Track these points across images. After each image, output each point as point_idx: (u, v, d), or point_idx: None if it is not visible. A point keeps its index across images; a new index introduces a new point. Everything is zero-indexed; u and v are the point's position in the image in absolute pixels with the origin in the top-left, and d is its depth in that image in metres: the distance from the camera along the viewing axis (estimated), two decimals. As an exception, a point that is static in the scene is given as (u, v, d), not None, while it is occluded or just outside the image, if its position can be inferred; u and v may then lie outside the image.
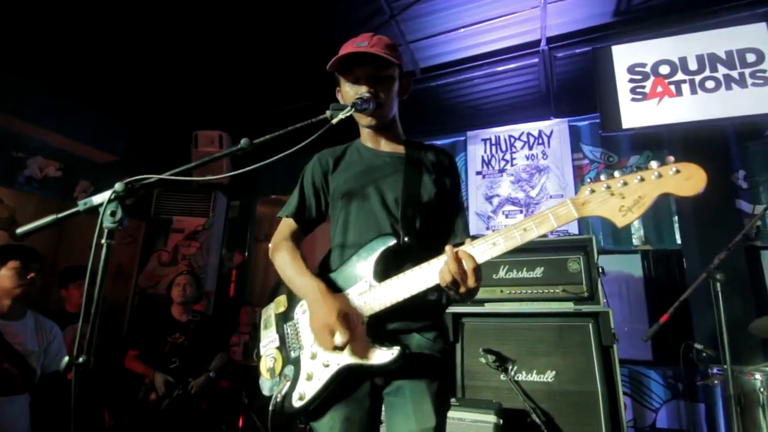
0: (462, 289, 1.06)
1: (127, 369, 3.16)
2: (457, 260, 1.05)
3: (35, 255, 2.21)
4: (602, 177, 1.00)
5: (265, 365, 1.30)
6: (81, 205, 0.98)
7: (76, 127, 4.15)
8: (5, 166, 3.84)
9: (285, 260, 1.30)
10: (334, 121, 1.11)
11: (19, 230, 1.00)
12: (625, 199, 0.97)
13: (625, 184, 0.97)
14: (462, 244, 1.32)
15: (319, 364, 1.19)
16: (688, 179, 0.92)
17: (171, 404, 2.96)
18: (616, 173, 0.99)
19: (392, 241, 1.19)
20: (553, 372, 2.46)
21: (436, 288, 1.12)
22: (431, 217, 1.30)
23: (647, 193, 0.95)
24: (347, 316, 1.12)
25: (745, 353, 2.61)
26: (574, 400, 2.38)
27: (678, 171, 0.93)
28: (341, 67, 1.31)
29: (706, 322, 2.99)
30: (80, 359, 0.87)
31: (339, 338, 1.09)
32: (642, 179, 0.96)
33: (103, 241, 0.94)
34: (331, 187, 1.39)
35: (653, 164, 0.96)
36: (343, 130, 1.27)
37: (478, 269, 1.06)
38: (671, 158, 0.95)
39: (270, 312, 1.37)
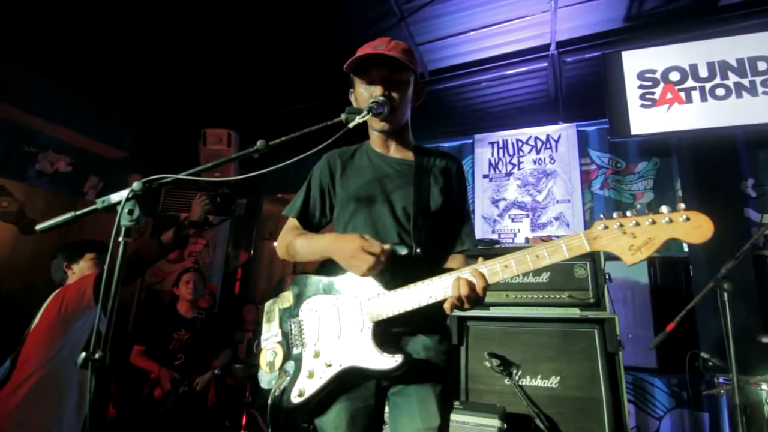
0: (467, 306, 1.10)
1: (132, 364, 3.19)
2: (468, 282, 1.09)
3: (107, 247, 2.30)
4: (615, 215, 1.05)
5: (264, 358, 1.31)
6: (99, 203, 1.00)
7: (86, 123, 4.19)
8: (17, 161, 3.88)
9: (298, 243, 1.34)
10: (351, 125, 1.13)
11: (39, 226, 1.02)
12: (636, 239, 1.01)
13: (637, 224, 1.02)
14: (468, 251, 1.34)
15: (322, 363, 1.20)
16: (696, 228, 0.97)
17: (176, 401, 2.98)
18: (629, 213, 1.04)
19: (403, 252, 1.21)
20: (558, 377, 2.46)
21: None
22: (439, 226, 1.33)
23: (657, 236, 1.00)
24: (367, 240, 1.15)
25: (751, 363, 2.59)
26: (578, 406, 2.38)
27: (688, 219, 0.98)
28: (357, 68, 1.32)
29: (712, 330, 2.98)
30: (96, 355, 0.88)
31: (373, 250, 1.12)
32: (653, 222, 1.01)
33: (120, 239, 0.96)
34: (338, 190, 1.40)
35: (664, 209, 1.01)
36: (354, 129, 1.28)
37: (487, 288, 1.10)
38: (682, 205, 1.00)
39: (274, 306, 1.38)
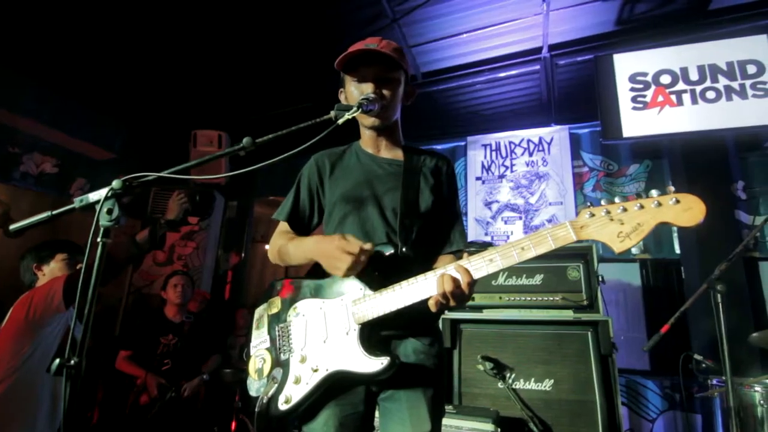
0: (453, 303, 1.07)
1: (117, 370, 3.11)
2: (452, 277, 1.06)
3: (79, 248, 2.27)
4: (603, 202, 1.01)
5: (253, 366, 1.29)
6: (77, 202, 0.96)
7: (73, 124, 4.12)
8: (1, 161, 3.80)
9: (286, 247, 1.32)
10: (340, 121, 1.10)
11: (13, 226, 0.98)
12: (624, 225, 0.97)
13: (625, 210, 0.98)
14: (458, 251, 1.32)
15: (308, 368, 1.17)
16: (686, 210, 0.93)
17: (163, 407, 2.92)
18: (617, 199, 0.99)
19: (389, 251, 1.19)
20: (552, 380, 2.44)
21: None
22: (428, 226, 1.31)
23: (646, 221, 0.96)
24: (346, 239, 1.13)
25: (743, 365, 2.60)
26: (572, 409, 2.36)
27: (678, 201, 0.94)
28: (348, 66, 1.30)
29: (704, 332, 2.99)
30: (72, 361, 0.84)
31: (352, 249, 1.09)
32: (642, 207, 0.97)
33: (98, 239, 0.92)
34: (327, 192, 1.39)
35: (653, 193, 0.97)
36: (344, 130, 1.25)
37: (472, 283, 1.07)
38: (671, 188, 0.96)
39: (263, 312, 1.36)
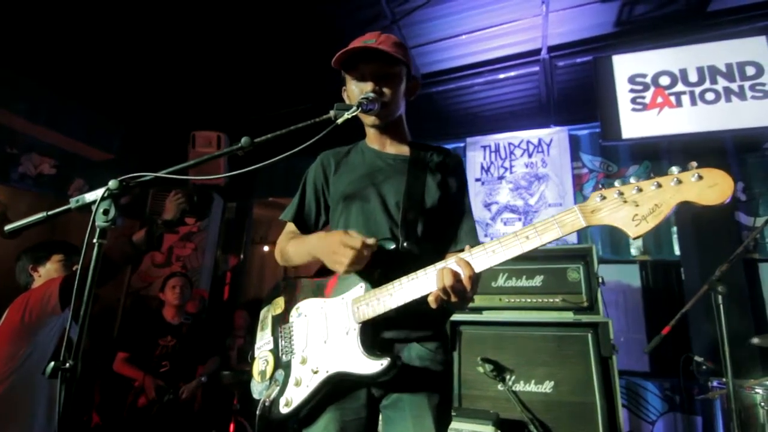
0: (454, 299, 1.00)
1: (115, 372, 3.10)
2: (453, 271, 1.00)
3: (76, 248, 2.26)
4: (616, 183, 0.91)
5: (257, 368, 1.27)
6: (73, 203, 0.95)
7: (72, 125, 4.10)
8: (-1, 162, 3.79)
9: (291, 247, 1.31)
10: (339, 121, 1.08)
11: (8, 227, 0.97)
12: (640, 207, 0.87)
13: (640, 190, 0.87)
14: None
15: (308, 370, 1.15)
16: (711, 186, 0.83)
17: (161, 409, 2.90)
18: (632, 179, 0.90)
19: (391, 246, 1.15)
20: (552, 382, 2.43)
21: None
22: (434, 222, 1.26)
23: (665, 201, 0.85)
24: (349, 234, 1.09)
25: (743, 366, 2.59)
26: (572, 411, 2.35)
27: (701, 177, 0.84)
28: (347, 64, 1.27)
29: (703, 334, 2.98)
30: (67, 364, 0.83)
31: (353, 244, 1.05)
32: (659, 185, 0.87)
33: (95, 240, 0.91)
34: (332, 189, 1.37)
35: (673, 169, 0.87)
36: (349, 129, 1.23)
37: (475, 278, 1.00)
38: (694, 163, 0.87)
39: (267, 314, 1.34)
